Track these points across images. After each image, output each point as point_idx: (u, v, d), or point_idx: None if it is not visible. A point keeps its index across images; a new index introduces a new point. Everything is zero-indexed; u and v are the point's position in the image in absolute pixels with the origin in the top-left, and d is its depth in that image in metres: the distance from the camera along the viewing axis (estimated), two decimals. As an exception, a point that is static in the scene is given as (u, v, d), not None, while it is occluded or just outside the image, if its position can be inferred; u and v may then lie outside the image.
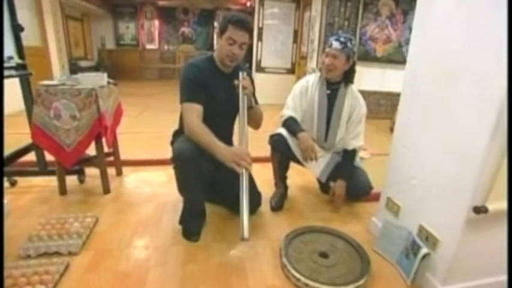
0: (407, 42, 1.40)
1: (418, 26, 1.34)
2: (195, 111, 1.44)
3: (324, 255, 1.41)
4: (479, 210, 1.04)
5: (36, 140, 1.75)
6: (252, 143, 2.47)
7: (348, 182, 1.77)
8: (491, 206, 1.05)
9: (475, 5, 1.04)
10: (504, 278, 1.23)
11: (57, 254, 1.34)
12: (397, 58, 4.93)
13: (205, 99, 1.48)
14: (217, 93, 1.52)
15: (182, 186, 1.56)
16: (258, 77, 5.86)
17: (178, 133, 1.66)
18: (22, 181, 2.01)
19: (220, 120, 1.59)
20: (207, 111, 1.49)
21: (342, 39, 1.64)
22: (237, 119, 1.71)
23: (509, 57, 0.90)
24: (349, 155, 1.79)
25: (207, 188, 1.56)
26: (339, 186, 1.78)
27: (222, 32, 1.47)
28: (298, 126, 1.73)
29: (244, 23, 1.45)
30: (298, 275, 1.24)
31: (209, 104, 1.49)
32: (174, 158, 1.46)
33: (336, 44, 1.64)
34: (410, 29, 1.38)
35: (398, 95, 1.49)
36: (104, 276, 1.25)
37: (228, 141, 1.79)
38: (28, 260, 1.29)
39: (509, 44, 0.90)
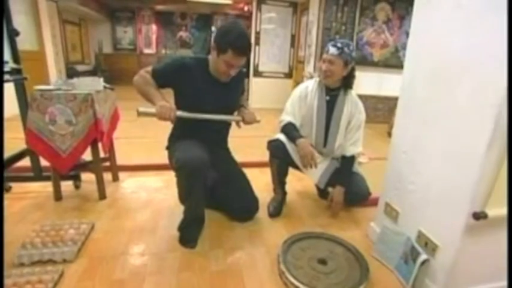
0: (404, 47, 1.41)
1: (415, 31, 1.34)
2: (149, 74, 1.49)
3: (322, 261, 1.40)
4: (479, 216, 1.04)
5: (30, 145, 1.73)
6: (250, 148, 2.47)
7: (346, 187, 1.76)
8: (490, 212, 1.04)
9: (473, 10, 1.04)
10: (505, 283, 1.22)
11: (52, 261, 1.32)
12: (394, 63, 4.96)
13: (190, 99, 1.49)
14: (206, 96, 1.51)
15: (186, 195, 1.53)
16: (255, 81, 5.88)
17: (174, 137, 1.65)
18: (16, 187, 1.98)
19: (211, 123, 1.58)
20: (196, 112, 1.48)
21: (338, 44, 1.63)
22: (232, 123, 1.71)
23: (509, 59, 0.90)
24: (347, 162, 1.78)
25: (207, 194, 1.55)
26: (337, 193, 1.77)
27: (221, 51, 1.42)
28: (297, 133, 1.72)
29: (246, 49, 1.43)
30: (296, 282, 1.23)
31: (198, 107, 1.48)
32: (178, 167, 1.43)
33: (332, 50, 1.63)
34: (406, 34, 1.38)
35: (395, 99, 1.49)
36: (99, 284, 1.23)
37: (221, 143, 1.79)
38: (21, 268, 1.26)
39: (509, 46, 0.90)
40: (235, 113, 1.71)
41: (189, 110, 1.48)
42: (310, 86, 1.80)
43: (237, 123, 1.67)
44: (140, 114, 1.40)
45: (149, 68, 1.51)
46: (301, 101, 1.78)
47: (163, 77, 1.50)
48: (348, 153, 1.77)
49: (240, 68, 1.53)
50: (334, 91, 1.75)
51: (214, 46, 1.46)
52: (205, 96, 1.52)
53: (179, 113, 1.44)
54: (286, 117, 1.78)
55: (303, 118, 1.79)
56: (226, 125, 1.72)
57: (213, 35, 1.61)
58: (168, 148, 1.67)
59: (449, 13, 1.14)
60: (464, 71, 1.07)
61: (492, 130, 0.96)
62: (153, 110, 1.39)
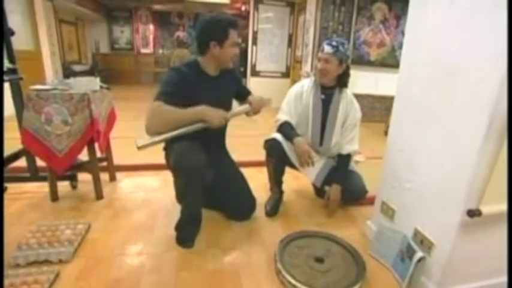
0: (401, 46, 1.41)
1: (411, 30, 1.35)
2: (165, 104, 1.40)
3: (319, 260, 1.40)
4: (473, 213, 1.04)
5: (26, 145, 1.72)
6: (246, 147, 2.47)
7: (343, 186, 1.77)
8: (485, 209, 1.05)
9: (467, 8, 1.05)
10: (499, 280, 1.23)
11: (48, 262, 1.31)
12: (390, 62, 4.98)
13: (189, 103, 1.44)
14: (204, 97, 1.51)
15: (183, 195, 1.53)
16: (252, 81, 5.88)
17: (171, 138, 1.65)
18: (12, 187, 1.96)
19: None
20: None
21: (333, 43, 1.64)
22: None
23: (509, 58, 0.90)
24: (343, 160, 1.78)
25: (204, 193, 1.55)
26: (333, 191, 1.77)
27: (224, 39, 1.45)
28: (294, 132, 1.73)
29: (238, 20, 1.50)
30: (293, 281, 1.23)
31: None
32: (175, 167, 1.43)
33: (327, 48, 1.64)
34: (403, 33, 1.39)
35: (392, 98, 1.49)
36: (96, 284, 1.23)
37: (219, 143, 1.78)
38: (17, 269, 1.26)
39: (509, 44, 0.90)
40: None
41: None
42: (305, 85, 1.81)
43: (247, 113, 1.67)
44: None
45: (157, 102, 1.38)
46: (296, 100, 1.79)
47: (176, 95, 1.42)
48: (344, 152, 1.77)
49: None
50: (330, 90, 1.75)
51: (215, 43, 1.47)
52: (204, 96, 1.52)
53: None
54: (283, 117, 1.78)
55: (299, 117, 1.79)
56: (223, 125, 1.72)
57: (201, 38, 1.62)
58: (165, 149, 1.67)
59: (443, 12, 1.15)
60: (459, 69, 1.07)
61: (487, 128, 0.97)
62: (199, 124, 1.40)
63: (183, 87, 1.46)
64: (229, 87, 1.70)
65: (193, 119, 1.39)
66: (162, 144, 1.67)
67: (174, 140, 1.61)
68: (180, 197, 1.56)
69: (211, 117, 1.40)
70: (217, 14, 1.51)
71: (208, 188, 1.58)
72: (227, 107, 1.68)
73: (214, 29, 1.46)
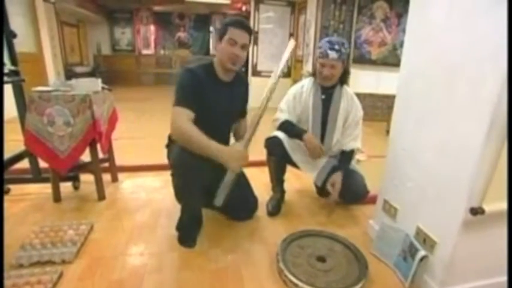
0: (402, 45, 1.41)
1: (412, 28, 1.34)
2: (186, 115, 1.37)
3: (321, 259, 1.40)
4: (476, 211, 1.04)
5: (29, 146, 1.73)
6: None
7: (345, 185, 1.75)
8: (488, 207, 1.04)
9: (469, 7, 1.05)
10: (502, 279, 1.22)
11: (51, 262, 1.32)
12: (392, 61, 4.96)
13: (200, 107, 1.42)
14: (214, 102, 1.49)
15: (181, 194, 1.52)
16: (254, 80, 5.87)
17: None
18: (15, 189, 1.98)
19: (217, 129, 1.56)
20: (203, 120, 1.44)
21: (336, 46, 1.62)
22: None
23: (509, 57, 0.90)
24: (346, 156, 1.77)
25: (204, 193, 1.54)
26: (336, 178, 1.70)
27: (222, 35, 1.45)
28: (300, 128, 1.73)
29: (243, 22, 1.47)
30: (295, 280, 1.23)
31: (205, 113, 1.45)
32: (174, 165, 1.42)
33: (332, 54, 1.62)
34: (404, 32, 1.38)
35: (394, 97, 1.49)
36: (98, 284, 1.23)
37: (224, 144, 1.78)
38: (20, 269, 1.26)
39: (509, 43, 0.90)
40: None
41: (201, 116, 1.43)
42: (305, 85, 1.80)
43: None
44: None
45: (179, 108, 1.37)
46: (295, 100, 1.79)
47: (192, 100, 1.41)
48: (347, 148, 1.77)
49: (245, 52, 1.50)
50: (330, 89, 1.75)
51: (217, 37, 1.50)
52: (216, 101, 1.51)
53: None
54: (282, 115, 1.78)
55: (298, 117, 1.79)
56: (228, 130, 1.70)
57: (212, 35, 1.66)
58: (167, 146, 1.66)
59: (444, 10, 1.14)
60: (460, 68, 1.07)
61: (488, 126, 0.96)
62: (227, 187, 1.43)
63: (196, 88, 1.44)
64: (238, 93, 1.66)
65: (213, 156, 1.35)
66: (165, 142, 1.67)
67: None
68: (179, 195, 1.55)
69: (227, 161, 1.36)
70: (232, 16, 1.54)
71: (210, 188, 1.58)
72: (237, 112, 1.67)
73: (220, 27, 1.51)
